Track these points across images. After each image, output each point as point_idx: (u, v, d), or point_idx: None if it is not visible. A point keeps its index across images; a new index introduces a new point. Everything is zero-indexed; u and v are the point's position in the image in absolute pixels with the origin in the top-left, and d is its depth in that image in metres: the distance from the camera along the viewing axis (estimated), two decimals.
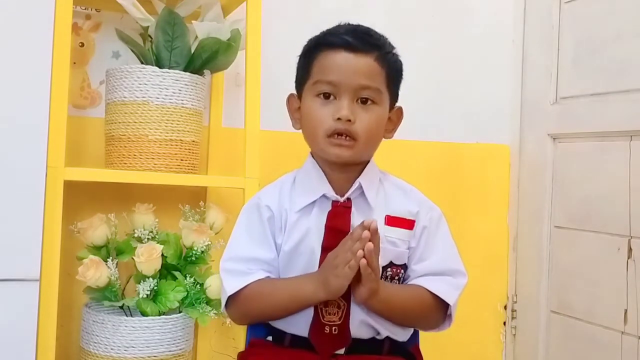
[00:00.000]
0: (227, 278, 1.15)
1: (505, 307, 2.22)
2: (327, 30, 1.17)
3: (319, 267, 1.12)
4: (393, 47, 1.18)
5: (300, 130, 1.19)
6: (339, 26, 1.17)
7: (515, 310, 2.20)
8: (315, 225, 1.14)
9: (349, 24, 1.18)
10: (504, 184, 2.23)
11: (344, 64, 1.11)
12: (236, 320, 1.20)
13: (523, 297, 2.17)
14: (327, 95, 1.13)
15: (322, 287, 1.08)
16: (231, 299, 1.14)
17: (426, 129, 2.13)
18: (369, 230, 1.03)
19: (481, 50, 2.20)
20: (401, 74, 1.20)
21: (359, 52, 1.12)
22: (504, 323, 2.22)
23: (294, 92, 1.21)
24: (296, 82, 1.20)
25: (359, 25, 1.17)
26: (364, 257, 1.02)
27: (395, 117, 1.20)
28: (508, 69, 2.23)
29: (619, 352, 1.78)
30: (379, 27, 1.19)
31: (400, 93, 1.21)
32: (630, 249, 1.77)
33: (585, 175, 1.94)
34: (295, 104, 1.20)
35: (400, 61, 1.19)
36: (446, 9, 2.17)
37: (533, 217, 2.12)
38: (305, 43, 1.19)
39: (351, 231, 1.08)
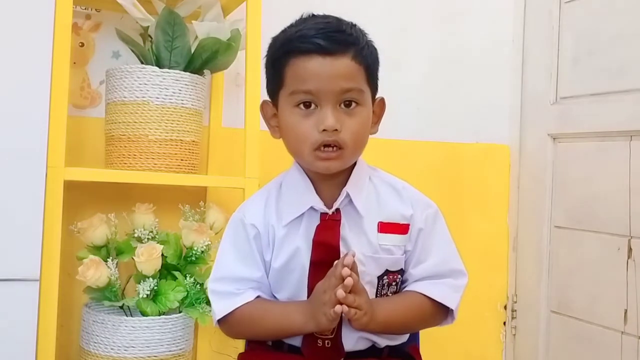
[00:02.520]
0: (215, 300, 1.10)
1: (505, 307, 2.22)
2: (295, 29, 1.05)
3: (308, 283, 1.08)
4: (365, 35, 1.08)
5: (281, 139, 1.11)
6: (305, 24, 1.05)
7: (515, 310, 2.19)
8: (305, 242, 1.08)
9: (314, 17, 1.07)
10: (503, 183, 2.23)
11: (320, 70, 1.01)
12: (229, 336, 1.16)
13: (523, 297, 2.17)
14: (307, 105, 1.04)
15: (312, 321, 1.03)
16: (221, 320, 1.10)
17: (426, 129, 2.13)
18: (349, 267, 0.98)
19: (481, 50, 2.20)
20: (378, 62, 1.10)
21: (334, 55, 1.02)
22: (504, 323, 2.22)
23: (267, 98, 1.12)
24: (268, 89, 1.11)
25: (327, 21, 1.05)
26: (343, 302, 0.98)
27: (378, 109, 1.12)
28: (508, 69, 2.23)
29: (619, 352, 1.78)
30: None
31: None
32: (630, 249, 1.77)
33: (585, 175, 1.94)
34: (271, 111, 1.11)
35: (374, 47, 1.09)
36: (446, 9, 2.17)
37: (533, 217, 2.12)
38: (271, 42, 1.08)
39: (335, 264, 1.02)
